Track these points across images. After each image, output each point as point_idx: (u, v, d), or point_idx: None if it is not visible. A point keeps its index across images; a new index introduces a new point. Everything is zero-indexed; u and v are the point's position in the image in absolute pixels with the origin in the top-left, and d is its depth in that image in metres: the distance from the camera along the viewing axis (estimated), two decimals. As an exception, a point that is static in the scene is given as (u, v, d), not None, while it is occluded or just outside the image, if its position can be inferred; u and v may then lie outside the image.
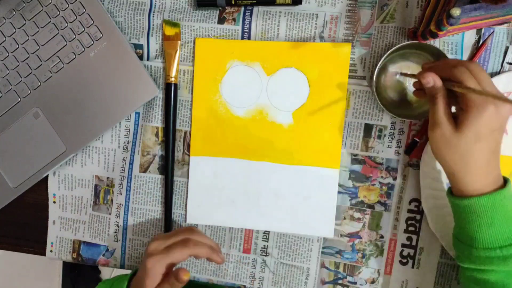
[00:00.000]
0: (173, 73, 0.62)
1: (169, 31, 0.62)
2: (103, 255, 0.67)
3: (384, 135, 0.60)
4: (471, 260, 0.47)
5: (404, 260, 0.61)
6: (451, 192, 0.50)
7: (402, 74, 0.56)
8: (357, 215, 0.62)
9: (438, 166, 0.58)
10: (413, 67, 0.58)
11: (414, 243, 0.61)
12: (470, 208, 0.46)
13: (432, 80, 0.46)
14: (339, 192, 0.62)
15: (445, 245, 0.58)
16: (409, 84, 0.58)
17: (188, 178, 0.64)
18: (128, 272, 0.59)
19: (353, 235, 0.62)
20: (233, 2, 0.59)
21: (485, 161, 0.45)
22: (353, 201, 0.61)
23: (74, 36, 0.61)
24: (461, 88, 0.43)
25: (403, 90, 0.59)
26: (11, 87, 0.63)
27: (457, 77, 0.44)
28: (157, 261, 0.52)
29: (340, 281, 0.63)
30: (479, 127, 0.43)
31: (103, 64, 0.62)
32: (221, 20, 0.62)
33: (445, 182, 0.59)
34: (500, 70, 0.58)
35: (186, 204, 0.64)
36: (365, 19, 0.59)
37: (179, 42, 0.62)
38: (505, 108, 0.43)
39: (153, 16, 0.63)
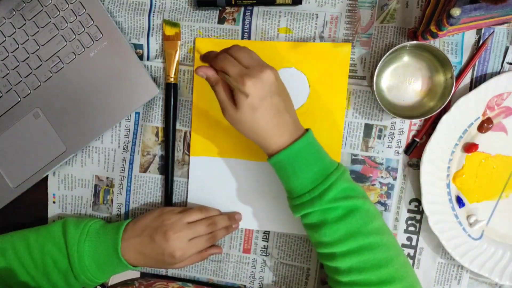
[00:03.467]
0: (173, 73, 0.62)
1: (169, 31, 0.62)
2: (103, 255, 0.67)
3: (384, 135, 0.60)
4: (296, 209, 0.51)
5: (404, 260, 0.61)
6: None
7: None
8: (357, 215, 0.62)
9: (438, 165, 0.58)
10: (413, 67, 0.58)
11: (414, 243, 0.61)
12: (277, 164, 0.51)
13: (204, 73, 0.51)
14: (339, 192, 0.61)
15: (446, 245, 0.58)
16: (409, 85, 0.58)
17: (188, 178, 0.64)
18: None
19: (353, 235, 0.62)
20: (233, 2, 0.59)
21: (272, 124, 0.49)
22: (353, 201, 0.61)
23: (74, 36, 0.61)
24: (223, 76, 0.49)
25: (403, 90, 0.59)
26: (11, 87, 0.63)
27: (220, 66, 0.49)
28: (183, 235, 0.56)
29: (340, 281, 0.63)
30: (249, 99, 0.48)
31: (103, 64, 0.62)
32: (221, 20, 0.62)
33: (445, 182, 0.59)
34: (500, 70, 0.58)
35: (186, 204, 0.64)
36: (365, 19, 0.59)
37: (179, 42, 0.62)
38: (263, 78, 0.48)
39: (153, 16, 0.63)
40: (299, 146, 0.50)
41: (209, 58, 0.52)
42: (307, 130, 0.52)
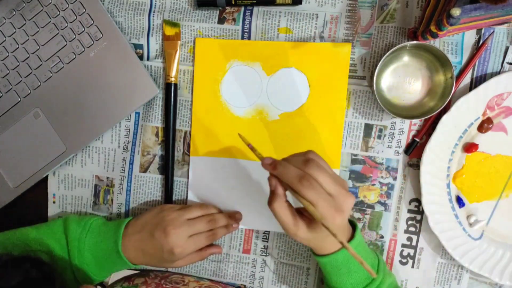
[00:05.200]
0: (173, 73, 0.62)
1: (169, 31, 0.62)
2: (103, 255, 0.67)
3: (384, 135, 0.60)
4: None
5: (404, 260, 0.61)
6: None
7: (249, 146, 0.51)
8: (357, 215, 0.62)
9: (438, 165, 0.58)
10: (413, 67, 0.58)
11: (414, 243, 0.61)
12: (331, 263, 0.51)
13: (274, 185, 0.46)
14: (339, 192, 0.61)
15: (446, 245, 0.58)
16: (409, 85, 0.58)
17: (188, 178, 0.64)
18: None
19: (353, 235, 0.62)
20: (233, 2, 0.59)
21: (337, 229, 0.45)
22: (353, 201, 0.61)
23: (74, 36, 0.61)
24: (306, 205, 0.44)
25: (403, 90, 0.58)
26: (11, 87, 0.63)
27: (304, 194, 0.43)
28: (182, 231, 0.56)
29: (340, 281, 0.63)
30: (334, 229, 0.43)
31: (103, 64, 0.61)
32: (221, 20, 0.62)
33: (445, 182, 0.59)
34: (500, 70, 0.58)
35: (186, 204, 0.64)
36: (365, 19, 0.59)
37: (179, 42, 0.62)
38: (348, 209, 0.45)
39: (153, 16, 0.63)
40: (353, 246, 0.50)
41: (285, 174, 0.45)
42: (351, 224, 0.53)
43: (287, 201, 0.47)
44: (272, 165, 0.46)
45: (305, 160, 0.45)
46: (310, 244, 0.50)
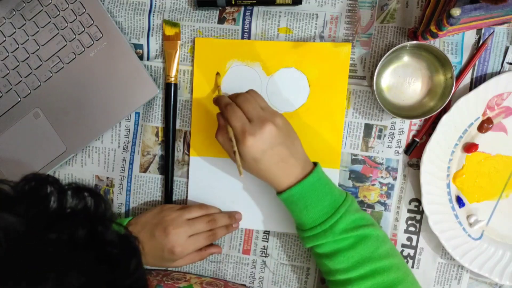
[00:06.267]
0: (173, 73, 0.62)
1: (169, 31, 0.62)
2: (103, 255, 0.67)
3: (384, 135, 0.60)
4: (308, 240, 0.54)
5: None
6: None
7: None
8: (357, 215, 0.62)
9: (438, 165, 0.58)
10: (413, 67, 0.58)
11: (414, 243, 0.61)
12: (288, 199, 0.53)
13: (218, 119, 0.55)
14: (339, 192, 0.61)
15: (446, 245, 0.58)
16: (409, 85, 0.58)
17: (188, 178, 0.64)
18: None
19: (353, 235, 0.62)
20: (233, 2, 0.59)
21: (277, 170, 0.52)
22: (353, 201, 0.61)
23: (74, 36, 0.61)
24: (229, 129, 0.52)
25: (403, 90, 0.58)
26: (11, 87, 0.63)
27: (226, 118, 0.52)
28: (182, 231, 0.57)
29: (340, 281, 0.63)
30: (250, 153, 0.50)
31: (103, 64, 0.62)
32: (221, 20, 0.62)
33: (445, 182, 0.59)
34: (500, 70, 0.58)
35: (186, 204, 0.64)
36: (365, 19, 0.59)
37: (179, 42, 0.62)
38: (264, 133, 0.50)
39: (153, 16, 0.63)
40: (309, 182, 0.52)
41: (220, 105, 0.54)
42: (315, 164, 0.54)
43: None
44: (214, 99, 0.56)
45: (237, 94, 0.54)
46: (259, 177, 0.53)
